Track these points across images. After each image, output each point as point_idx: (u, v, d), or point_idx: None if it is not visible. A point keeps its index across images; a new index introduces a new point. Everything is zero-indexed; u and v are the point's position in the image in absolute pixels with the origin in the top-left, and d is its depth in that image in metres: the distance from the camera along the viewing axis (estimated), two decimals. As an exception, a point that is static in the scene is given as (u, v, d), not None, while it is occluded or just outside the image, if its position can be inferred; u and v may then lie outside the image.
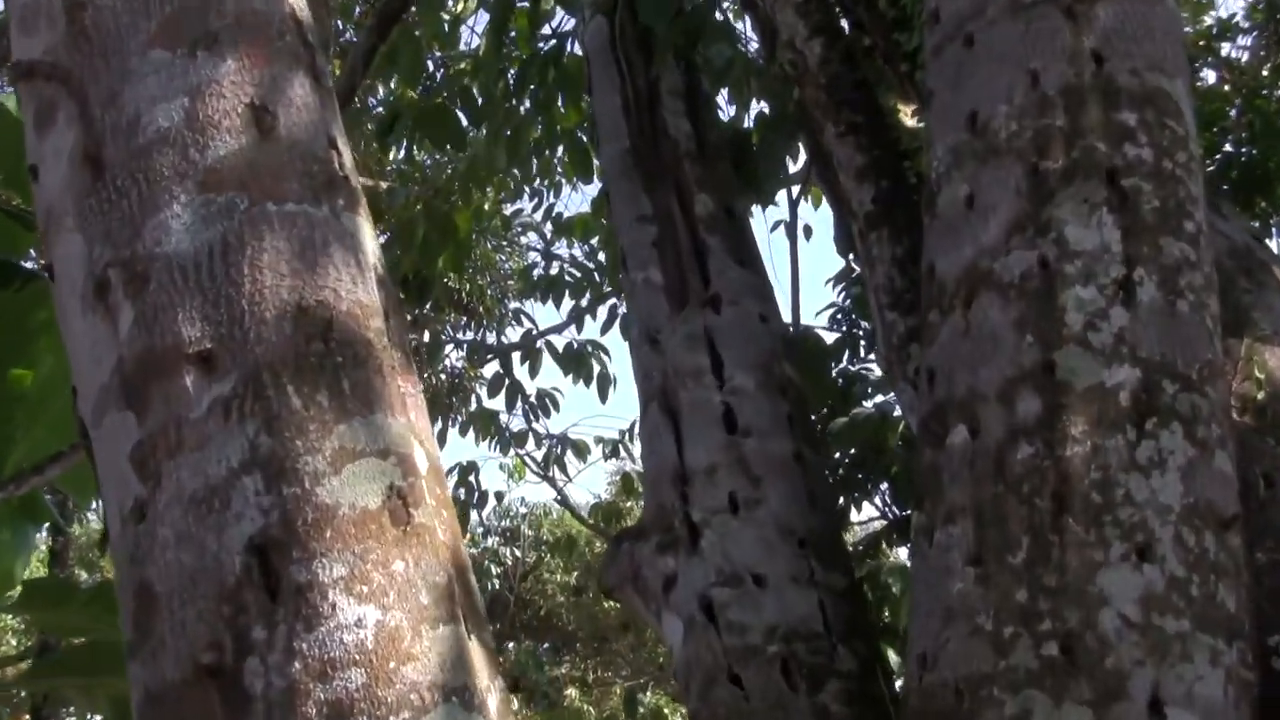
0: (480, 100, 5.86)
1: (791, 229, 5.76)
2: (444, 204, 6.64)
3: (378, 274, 1.96)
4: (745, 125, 5.21)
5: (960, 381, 2.47)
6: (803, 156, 5.40)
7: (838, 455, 5.23)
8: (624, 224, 4.09)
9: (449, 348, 10.70)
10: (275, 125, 1.93)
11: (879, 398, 5.43)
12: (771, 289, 4.00)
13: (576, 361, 7.99)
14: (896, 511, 5.28)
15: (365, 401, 1.79)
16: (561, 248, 8.80)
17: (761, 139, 4.59)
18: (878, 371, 5.38)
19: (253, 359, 1.75)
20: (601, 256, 8.03)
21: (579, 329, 8.39)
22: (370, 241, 1.99)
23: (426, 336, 9.95)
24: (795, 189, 5.94)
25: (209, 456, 1.70)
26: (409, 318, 8.95)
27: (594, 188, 6.66)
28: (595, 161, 5.89)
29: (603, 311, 8.05)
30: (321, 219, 1.90)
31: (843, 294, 5.80)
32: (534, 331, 9.00)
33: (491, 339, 10.46)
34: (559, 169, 7.27)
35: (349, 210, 1.96)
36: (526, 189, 8.02)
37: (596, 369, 8.01)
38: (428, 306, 8.97)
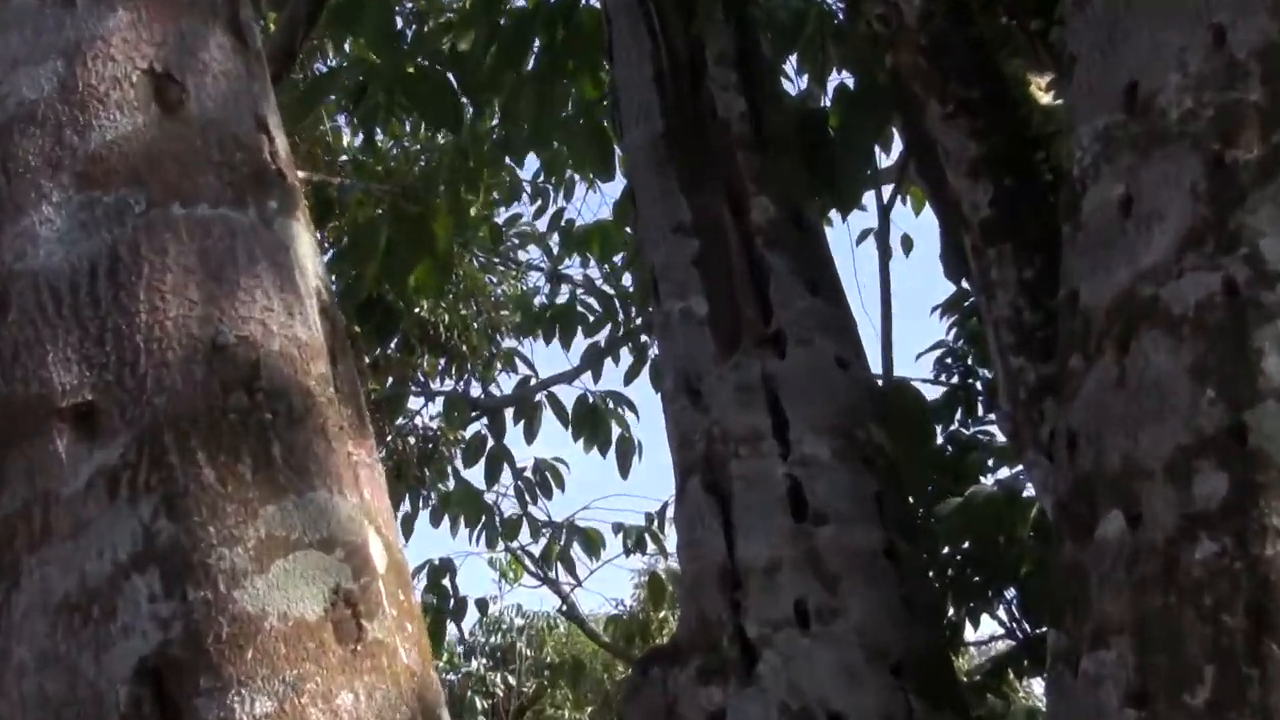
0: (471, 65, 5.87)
1: (883, 241, 5.75)
2: (416, 204, 6.65)
3: (322, 302, 1.96)
4: (820, 103, 5.22)
5: (1114, 450, 2.44)
6: (897, 145, 5.41)
7: (945, 550, 5.20)
8: (655, 236, 4.09)
9: (420, 401, 10.73)
10: (184, 99, 1.94)
11: (1003, 471, 5.40)
12: (854, 323, 4.00)
13: (589, 421, 7.98)
14: (1029, 628, 5.24)
15: (303, 474, 1.78)
16: (573, 267, 8.83)
17: (842, 122, 4.59)
18: (1000, 436, 5.35)
19: (149, 415, 1.74)
20: (627, 279, 8.06)
21: (595, 377, 8.42)
22: (312, 258, 1.99)
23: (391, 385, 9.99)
24: (887, 189, 5.94)
25: (87, 548, 1.69)
26: (368, 361, 8.98)
27: (616, 186, 6.69)
28: (617, 151, 5.91)
29: (627, 354, 8.07)
30: (246, 226, 1.90)
31: (953, 329, 5.79)
32: (533, 380, 9.01)
33: (477, 390, 10.48)
34: (568, 160, 7.29)
35: (284, 214, 1.96)
36: (526, 187, 8.05)
37: (616, 431, 8.02)
38: (393, 345, 8.99)
